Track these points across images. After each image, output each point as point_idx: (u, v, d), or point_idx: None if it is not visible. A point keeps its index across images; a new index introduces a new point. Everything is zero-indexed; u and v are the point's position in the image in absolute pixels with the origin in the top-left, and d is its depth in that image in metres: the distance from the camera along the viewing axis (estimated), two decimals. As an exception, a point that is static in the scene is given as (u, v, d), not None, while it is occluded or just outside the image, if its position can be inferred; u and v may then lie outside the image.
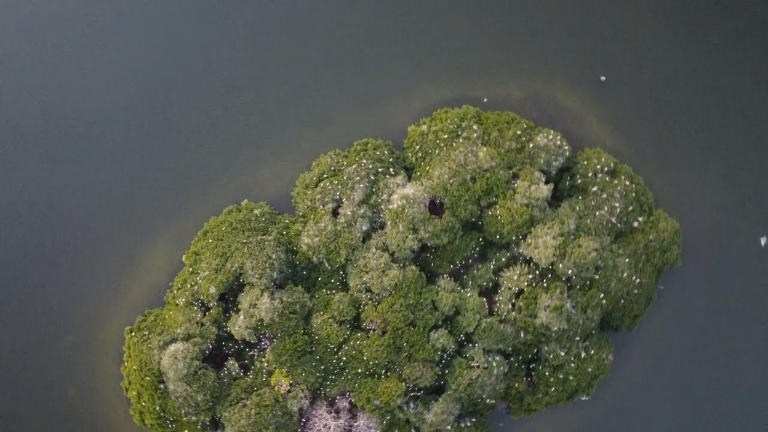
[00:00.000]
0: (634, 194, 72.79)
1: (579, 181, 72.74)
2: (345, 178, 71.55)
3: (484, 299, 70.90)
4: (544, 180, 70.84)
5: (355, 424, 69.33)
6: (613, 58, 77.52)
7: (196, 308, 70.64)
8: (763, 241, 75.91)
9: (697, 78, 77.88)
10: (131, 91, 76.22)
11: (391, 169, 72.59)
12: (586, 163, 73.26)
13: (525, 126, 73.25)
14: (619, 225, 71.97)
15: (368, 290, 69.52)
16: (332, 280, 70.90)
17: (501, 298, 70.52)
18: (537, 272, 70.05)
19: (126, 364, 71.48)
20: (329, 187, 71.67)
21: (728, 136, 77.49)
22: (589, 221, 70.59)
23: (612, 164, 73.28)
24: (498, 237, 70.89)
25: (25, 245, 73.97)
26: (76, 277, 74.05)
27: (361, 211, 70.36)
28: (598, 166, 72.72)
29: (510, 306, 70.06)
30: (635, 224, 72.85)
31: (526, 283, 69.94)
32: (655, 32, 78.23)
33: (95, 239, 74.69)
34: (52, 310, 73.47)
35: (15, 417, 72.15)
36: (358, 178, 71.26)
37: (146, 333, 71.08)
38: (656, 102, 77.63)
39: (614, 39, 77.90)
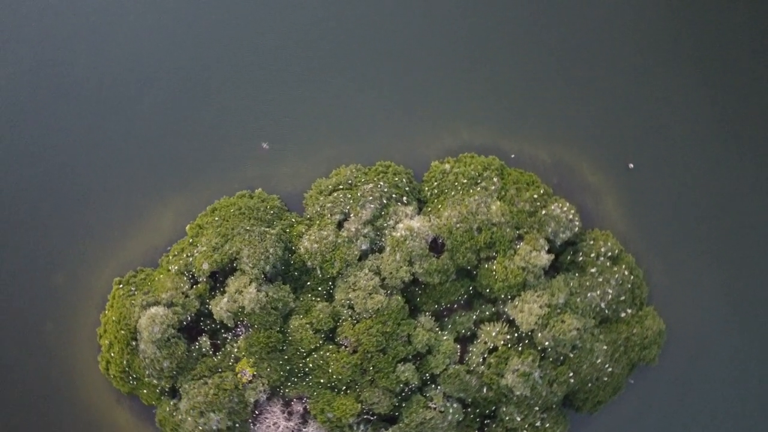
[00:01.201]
0: (630, 285, 73.54)
1: (580, 258, 73.66)
2: (359, 194, 73.10)
3: (458, 346, 72.17)
4: (546, 248, 71.73)
5: (303, 429, 71.01)
6: (646, 149, 78.22)
7: (185, 278, 72.60)
8: None
9: (724, 192, 78.42)
10: (181, 60, 78.55)
11: (404, 198, 74.04)
12: (592, 243, 74.16)
13: (543, 191, 74.21)
14: (607, 311, 72.77)
15: (351, 307, 71.07)
16: (319, 288, 72.56)
17: (475, 349, 71.73)
18: (515, 335, 71.19)
19: (107, 312, 73.77)
20: (341, 199, 73.26)
21: (739, 255, 77.84)
22: (578, 300, 71.50)
23: (617, 251, 74.06)
24: (488, 291, 72.09)
25: (45, 179, 76.52)
26: (83, 218, 76.43)
27: (365, 230, 71.85)
28: (603, 249, 73.56)
29: (481, 359, 71.25)
30: (623, 314, 73.65)
31: (502, 342, 71.11)
32: (694, 137, 78.85)
33: (111, 187, 76.96)
34: (50, 245, 75.96)
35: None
36: (371, 197, 72.76)
37: (133, 289, 73.27)
38: (677, 202, 78.25)
39: (653, 133, 78.58)
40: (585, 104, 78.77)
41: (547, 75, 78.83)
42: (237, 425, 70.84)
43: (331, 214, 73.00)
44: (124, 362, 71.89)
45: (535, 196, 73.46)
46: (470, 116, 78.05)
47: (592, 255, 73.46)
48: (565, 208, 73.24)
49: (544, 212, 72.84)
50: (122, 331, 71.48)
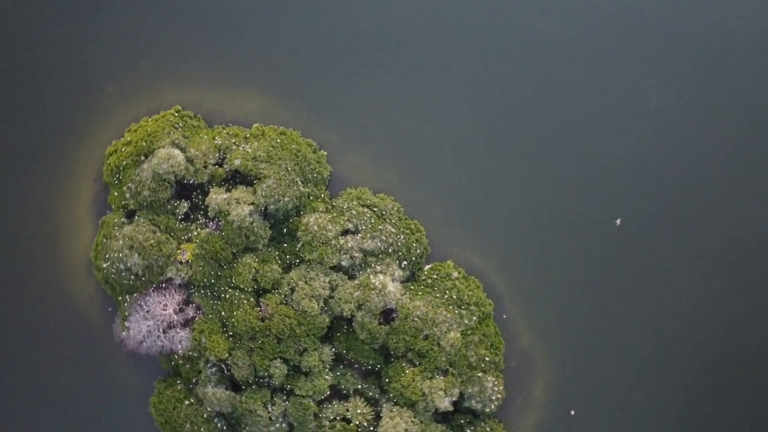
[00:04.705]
0: (480, 485, 76.04)
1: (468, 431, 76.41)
2: (379, 227, 77.28)
3: (329, 392, 76.17)
4: (454, 399, 74.81)
5: (177, 329, 76.48)
6: (594, 410, 79.46)
7: (216, 155, 78.55)
8: None
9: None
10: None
11: (404, 263, 77.82)
12: (488, 429, 76.57)
13: (497, 360, 76.93)
14: (445, 483, 75.59)
15: (292, 290, 75.77)
16: (287, 257, 77.40)
17: (335, 407, 75.62)
18: (371, 428, 74.68)
19: (149, 120, 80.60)
20: (365, 217, 77.58)
21: None
22: (436, 455, 74.56)
23: (498, 454, 76.58)
24: (386, 380, 75.69)
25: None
26: (218, 42, 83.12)
27: (356, 254, 76.09)
28: (490, 443, 76.15)
29: (332, 417, 75.16)
30: (453, 498, 76.28)
31: (357, 423, 74.84)
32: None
33: (241, 45, 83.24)
34: (149, 48, 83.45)
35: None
36: (383, 238, 76.83)
37: (180, 125, 79.85)
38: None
39: (613, 410, 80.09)
40: (587, 331, 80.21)
41: (583, 300, 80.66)
42: (142, 279, 76.81)
43: (347, 219, 77.48)
44: (124, 163, 78.70)
45: (487, 358, 76.23)
46: (506, 261, 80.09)
47: (479, 438, 76.11)
48: (496, 389, 75.90)
49: (480, 374, 75.63)
50: (143, 143, 78.17)
